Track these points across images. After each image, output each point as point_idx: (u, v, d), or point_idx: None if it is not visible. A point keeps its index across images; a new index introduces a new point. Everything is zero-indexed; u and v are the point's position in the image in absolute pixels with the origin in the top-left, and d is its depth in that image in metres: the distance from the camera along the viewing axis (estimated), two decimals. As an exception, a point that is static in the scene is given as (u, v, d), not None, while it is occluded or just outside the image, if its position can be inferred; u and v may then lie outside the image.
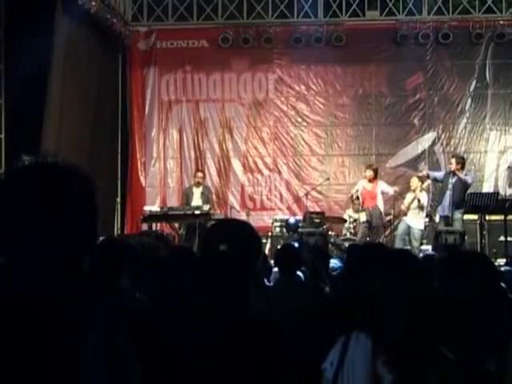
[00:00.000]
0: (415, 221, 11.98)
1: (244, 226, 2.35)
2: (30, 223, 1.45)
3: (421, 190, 12.04)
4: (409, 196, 12.24)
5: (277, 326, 2.13)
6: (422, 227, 12.13)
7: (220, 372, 1.98)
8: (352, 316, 2.35)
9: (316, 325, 3.68)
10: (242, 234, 2.24)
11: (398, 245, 11.59)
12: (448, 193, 11.53)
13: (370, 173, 12.33)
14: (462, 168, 11.83)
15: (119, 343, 1.46)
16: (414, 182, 12.22)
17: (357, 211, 12.65)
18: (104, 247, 3.42)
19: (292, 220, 12.89)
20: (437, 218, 11.92)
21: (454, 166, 11.71)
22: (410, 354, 2.09)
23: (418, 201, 11.93)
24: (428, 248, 11.77)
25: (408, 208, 12.00)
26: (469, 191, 11.74)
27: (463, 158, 12.33)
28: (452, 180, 11.57)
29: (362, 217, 12.27)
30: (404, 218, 12.12)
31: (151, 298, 3.61)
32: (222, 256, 2.14)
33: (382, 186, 12.45)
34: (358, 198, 12.65)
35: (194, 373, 1.94)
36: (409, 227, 12.00)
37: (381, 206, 12.35)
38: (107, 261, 3.33)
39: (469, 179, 11.70)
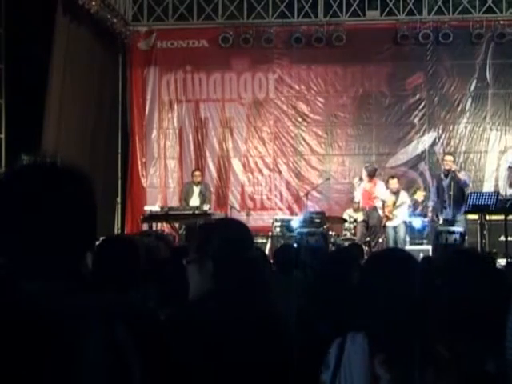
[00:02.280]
0: (398, 218, 12.03)
1: (238, 225, 2.33)
2: (27, 223, 1.45)
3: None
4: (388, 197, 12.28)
5: (284, 326, 2.12)
6: (407, 219, 12.16)
7: (228, 372, 1.97)
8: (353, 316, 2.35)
9: (314, 325, 3.67)
10: (237, 235, 2.21)
11: None
12: (446, 195, 11.49)
13: (363, 173, 12.31)
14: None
15: (119, 343, 1.45)
16: (394, 184, 12.31)
17: (356, 210, 12.66)
18: (110, 245, 3.37)
19: (293, 221, 12.87)
20: (440, 221, 11.86)
21: (452, 163, 11.63)
22: (408, 354, 2.08)
23: (408, 206, 12.05)
24: (428, 248, 11.76)
25: (391, 213, 12.04)
26: (468, 191, 11.71)
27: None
28: (446, 181, 11.53)
29: (360, 216, 12.27)
30: (387, 224, 12.10)
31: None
32: (222, 257, 2.11)
33: (380, 190, 12.34)
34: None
35: (201, 373, 1.94)
36: (395, 229, 12.03)
37: (379, 205, 12.31)
38: (113, 259, 3.29)
39: (467, 180, 11.65)
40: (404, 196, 12.30)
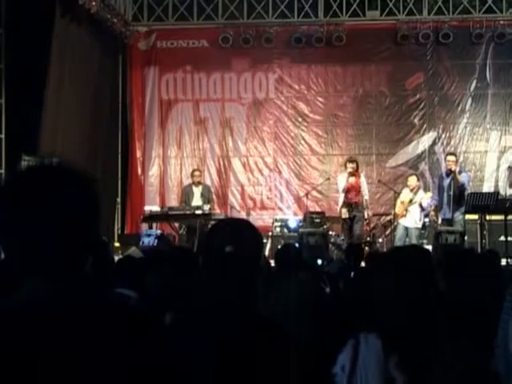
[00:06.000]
0: (413, 220, 11.90)
1: (247, 225, 2.32)
2: (31, 225, 1.45)
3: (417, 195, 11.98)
4: (405, 193, 12.14)
5: (285, 332, 2.10)
6: (420, 226, 12.02)
7: (225, 376, 1.96)
8: (360, 316, 2.34)
9: (316, 325, 3.66)
10: (246, 235, 2.20)
11: None
12: (445, 194, 11.48)
13: (353, 165, 11.96)
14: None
15: (120, 344, 1.45)
16: (413, 181, 12.16)
17: (344, 205, 12.10)
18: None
19: (292, 221, 12.85)
20: (439, 220, 11.85)
21: (454, 163, 11.59)
22: (421, 355, 2.07)
23: (420, 205, 11.86)
24: (428, 248, 11.73)
25: (406, 210, 11.91)
26: (469, 191, 11.70)
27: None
28: (447, 181, 11.51)
29: (344, 213, 11.91)
30: (400, 220, 12.01)
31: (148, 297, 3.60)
32: (228, 258, 2.10)
33: (365, 187, 12.13)
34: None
35: (198, 376, 1.93)
36: (406, 228, 11.92)
37: (365, 198, 12.05)
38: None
39: (465, 181, 11.58)
40: (421, 195, 12.03)
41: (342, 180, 12.10)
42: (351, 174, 11.99)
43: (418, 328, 2.10)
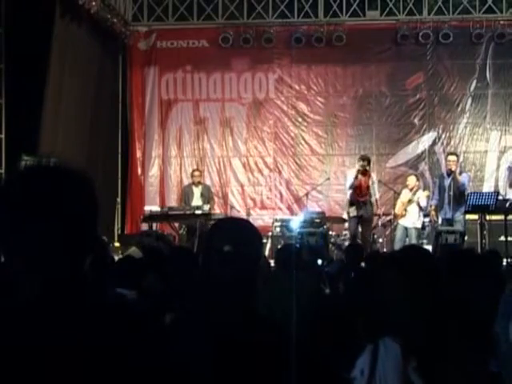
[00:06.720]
0: (412, 220, 11.89)
1: (246, 224, 2.32)
2: (31, 225, 1.45)
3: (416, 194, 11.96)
4: (405, 193, 12.13)
5: (285, 332, 2.10)
6: (419, 226, 12.00)
7: (225, 376, 1.96)
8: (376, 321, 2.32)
9: (316, 326, 3.67)
10: (245, 234, 2.20)
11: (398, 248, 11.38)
12: (446, 194, 11.48)
13: (363, 163, 11.61)
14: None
15: (119, 344, 1.45)
16: (412, 181, 12.16)
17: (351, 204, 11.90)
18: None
19: (293, 221, 12.83)
20: (439, 220, 11.85)
21: (454, 163, 11.59)
22: (439, 357, 2.06)
23: (418, 204, 11.85)
24: (428, 248, 11.71)
25: (405, 210, 11.90)
26: (469, 191, 11.70)
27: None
28: (448, 181, 11.51)
29: (352, 211, 11.72)
30: (400, 220, 11.99)
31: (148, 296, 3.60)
32: (227, 257, 2.10)
33: (376, 186, 11.96)
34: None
35: (197, 377, 1.93)
36: (406, 229, 11.90)
37: (373, 198, 11.83)
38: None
39: (465, 182, 11.59)
40: (419, 194, 11.97)
41: (351, 177, 11.95)
42: (361, 172, 11.64)
43: (426, 330, 2.09)
